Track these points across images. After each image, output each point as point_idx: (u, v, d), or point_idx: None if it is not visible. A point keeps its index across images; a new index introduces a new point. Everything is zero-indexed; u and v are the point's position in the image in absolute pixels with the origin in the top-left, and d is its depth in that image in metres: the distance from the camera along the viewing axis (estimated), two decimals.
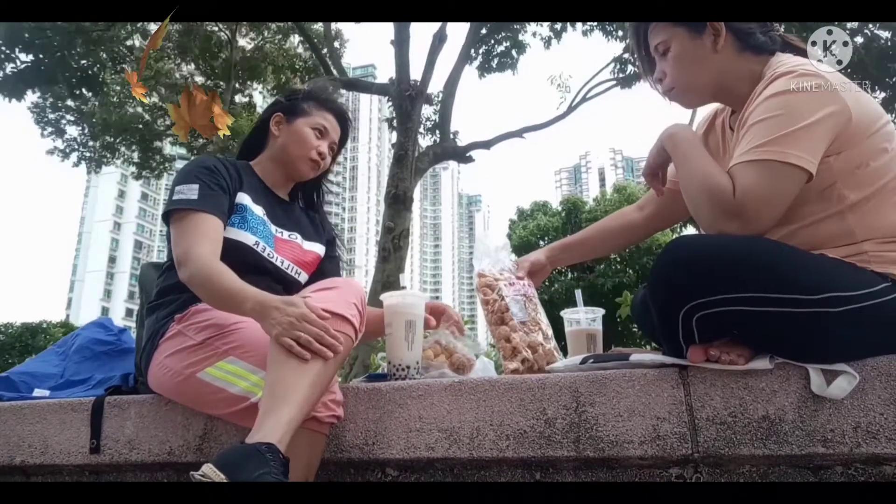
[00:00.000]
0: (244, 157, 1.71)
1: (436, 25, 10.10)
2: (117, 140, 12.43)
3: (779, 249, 1.09)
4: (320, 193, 1.81)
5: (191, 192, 1.42)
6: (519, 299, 1.55)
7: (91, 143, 12.56)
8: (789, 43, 1.27)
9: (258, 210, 1.55)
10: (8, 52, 9.26)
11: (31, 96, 11.23)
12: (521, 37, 10.70)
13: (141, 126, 12.39)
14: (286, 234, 1.61)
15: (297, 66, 12.97)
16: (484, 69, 10.76)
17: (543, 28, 10.74)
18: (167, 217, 1.44)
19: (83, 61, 10.23)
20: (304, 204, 1.78)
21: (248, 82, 13.52)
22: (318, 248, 1.70)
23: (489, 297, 1.57)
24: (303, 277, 1.62)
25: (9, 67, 9.34)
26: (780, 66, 1.17)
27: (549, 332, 1.55)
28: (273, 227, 1.58)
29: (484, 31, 10.26)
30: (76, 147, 12.61)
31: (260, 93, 13.60)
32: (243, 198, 1.53)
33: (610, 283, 16.91)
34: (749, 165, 1.10)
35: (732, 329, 1.10)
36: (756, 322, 1.05)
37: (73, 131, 12.37)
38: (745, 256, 1.06)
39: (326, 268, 1.71)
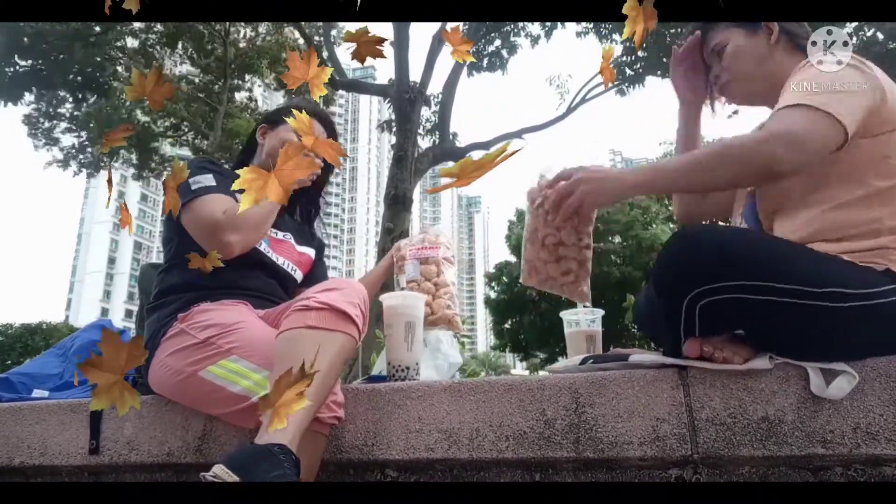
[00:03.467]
0: None
1: (435, 26, 10.11)
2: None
3: (785, 242, 1.12)
4: (317, 208, 1.88)
5: (207, 180, 1.48)
6: (415, 261, 1.68)
7: (89, 150, 12.60)
8: None
9: None
10: (7, 57, 9.28)
11: (26, 109, 11.27)
12: (513, 38, 10.67)
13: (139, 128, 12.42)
14: (280, 234, 1.67)
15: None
16: (473, 68, 10.73)
17: (534, 26, 10.71)
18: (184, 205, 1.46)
19: (85, 68, 10.26)
20: (299, 217, 1.85)
21: (245, 78, 13.52)
22: (310, 252, 1.77)
23: (399, 264, 1.72)
24: (298, 275, 1.68)
25: (8, 73, 9.36)
26: None
27: (445, 291, 1.65)
28: None
29: (480, 35, 10.24)
30: (74, 155, 12.64)
31: (259, 86, 13.62)
32: None
33: (617, 272, 16.60)
34: (789, 109, 1.13)
35: (734, 321, 1.10)
36: (757, 312, 1.05)
37: (67, 140, 12.42)
38: (750, 245, 1.07)
39: (318, 270, 1.80)
